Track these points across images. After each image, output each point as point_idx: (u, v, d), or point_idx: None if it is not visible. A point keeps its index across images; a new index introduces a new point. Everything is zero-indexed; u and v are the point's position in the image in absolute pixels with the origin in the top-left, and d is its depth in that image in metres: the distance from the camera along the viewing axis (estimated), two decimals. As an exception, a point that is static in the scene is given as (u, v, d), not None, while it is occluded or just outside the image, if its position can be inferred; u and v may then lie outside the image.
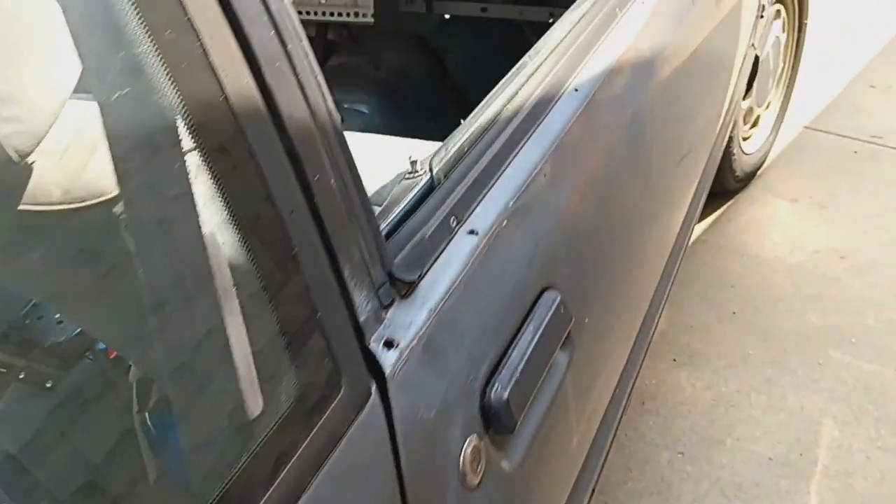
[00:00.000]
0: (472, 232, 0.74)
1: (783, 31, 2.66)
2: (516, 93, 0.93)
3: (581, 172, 0.98)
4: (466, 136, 0.84)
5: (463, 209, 0.75)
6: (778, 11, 2.58)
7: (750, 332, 2.22)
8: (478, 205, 0.76)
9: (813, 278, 2.37)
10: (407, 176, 0.78)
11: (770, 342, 2.18)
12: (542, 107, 0.93)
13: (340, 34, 2.32)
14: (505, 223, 0.77)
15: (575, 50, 1.06)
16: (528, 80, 0.95)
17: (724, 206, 2.70)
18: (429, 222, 0.71)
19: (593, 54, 1.07)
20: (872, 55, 3.45)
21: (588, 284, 1.02)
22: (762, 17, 1.99)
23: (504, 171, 0.81)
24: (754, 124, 2.68)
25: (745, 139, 2.66)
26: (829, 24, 3.69)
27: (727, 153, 2.46)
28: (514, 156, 0.84)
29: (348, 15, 2.08)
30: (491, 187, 0.79)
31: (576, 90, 0.97)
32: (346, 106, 2.24)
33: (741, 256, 2.49)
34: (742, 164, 2.59)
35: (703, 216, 2.63)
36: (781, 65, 2.74)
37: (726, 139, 1.97)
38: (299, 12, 2.16)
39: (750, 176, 2.73)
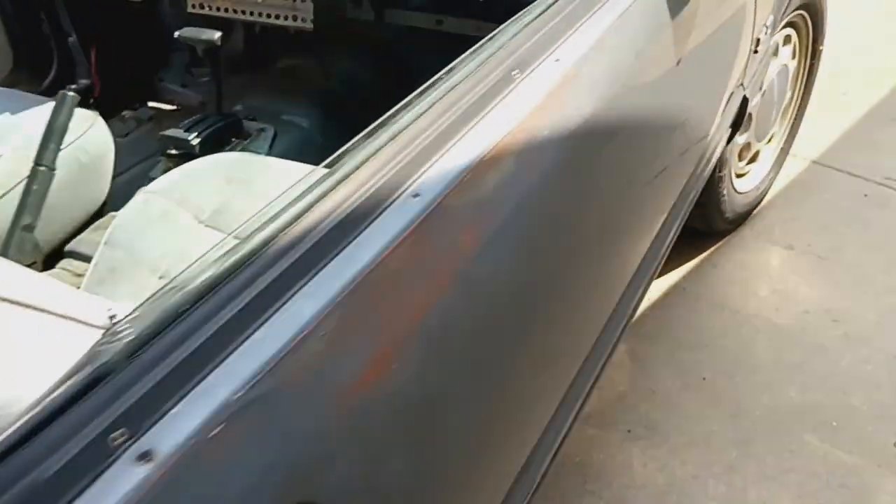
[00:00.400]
0: (144, 457, 0.49)
1: (793, 57, 2.37)
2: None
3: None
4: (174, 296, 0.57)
5: (141, 418, 0.50)
6: (788, 37, 2.29)
7: (718, 405, 1.96)
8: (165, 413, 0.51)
9: (798, 344, 2.11)
10: (100, 344, 0.54)
11: (739, 419, 1.93)
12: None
13: (292, 37, 2.07)
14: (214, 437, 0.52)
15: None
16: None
17: (711, 249, 2.43)
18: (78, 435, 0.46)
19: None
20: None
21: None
22: (756, 51, 1.71)
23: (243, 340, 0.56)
24: (752, 160, 2.40)
25: (739, 176, 2.38)
26: (849, 46, 3.37)
27: (714, 193, 2.19)
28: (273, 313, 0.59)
29: (286, 19, 1.84)
30: (205, 376, 0.53)
31: (415, 196, 0.71)
32: (283, 118, 2.00)
33: (721, 311, 2.23)
34: (733, 204, 2.32)
35: (686, 259, 2.38)
36: (789, 94, 2.46)
37: (701, 186, 1.71)
38: (235, 11, 1.91)
39: (743, 216, 2.45)
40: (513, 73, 0.88)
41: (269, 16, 1.84)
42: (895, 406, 1.91)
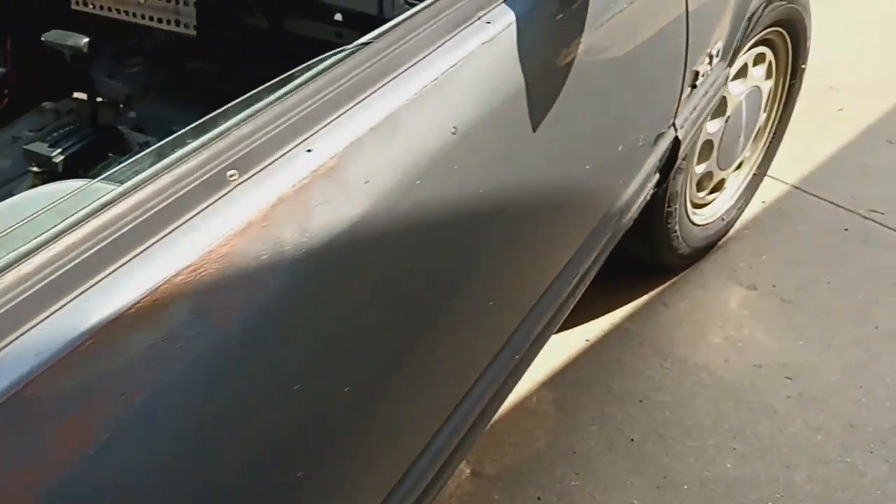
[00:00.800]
0: None
1: (768, 77, 2.13)
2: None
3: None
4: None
5: None
6: (761, 55, 2.04)
7: (643, 472, 1.76)
8: None
9: (744, 404, 1.89)
10: None
11: (664, 491, 1.72)
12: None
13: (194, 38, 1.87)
14: None
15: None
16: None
17: (666, 284, 2.21)
18: None
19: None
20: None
21: None
22: (694, 86, 1.48)
23: None
24: (715, 189, 2.17)
25: (700, 206, 2.15)
26: (849, 57, 3.09)
27: (663, 230, 1.97)
28: None
29: (168, 23, 1.63)
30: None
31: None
32: (174, 128, 1.79)
33: (665, 358, 2.01)
34: (690, 238, 2.09)
35: (636, 294, 2.16)
36: (764, 116, 2.21)
37: (616, 239, 1.49)
38: (118, 11, 1.71)
39: (703, 250, 2.23)
40: (229, 174, 0.67)
41: (150, 18, 1.64)
42: (841, 488, 1.69)
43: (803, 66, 2.19)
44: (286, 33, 1.66)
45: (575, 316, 2.04)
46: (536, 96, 0.95)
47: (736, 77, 1.96)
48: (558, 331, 2.08)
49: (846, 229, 2.35)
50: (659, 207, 1.91)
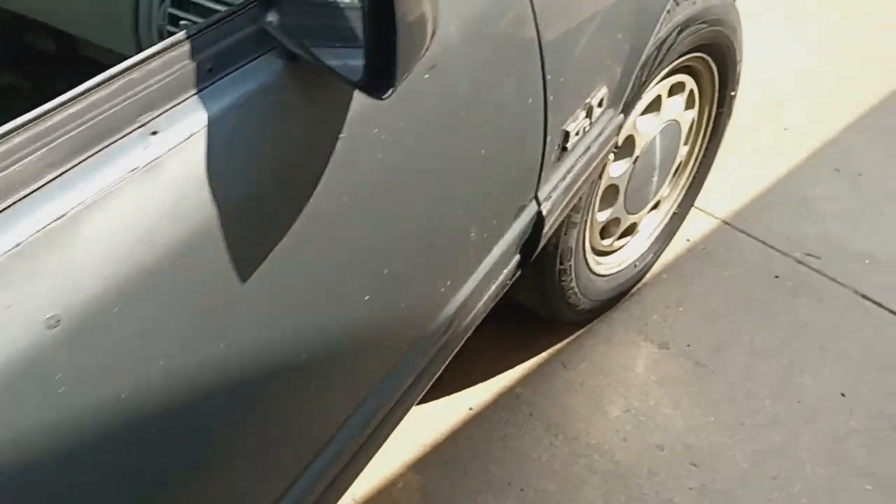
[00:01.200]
0: None
1: (690, 107, 1.84)
2: None
3: None
4: None
5: None
6: (680, 85, 1.75)
7: (513, 584, 1.50)
8: None
9: (639, 497, 1.64)
10: None
11: None
12: None
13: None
14: None
15: None
16: None
17: (568, 340, 1.94)
18: None
19: None
20: (849, 125, 2.58)
21: None
22: (565, 148, 1.19)
23: None
24: (626, 233, 1.89)
25: (606, 254, 1.87)
26: (801, 65, 2.81)
27: (556, 288, 1.69)
28: None
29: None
30: None
31: None
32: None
33: (556, 434, 1.74)
34: (591, 292, 1.82)
35: (533, 351, 1.89)
36: (686, 149, 1.93)
37: (459, 340, 1.21)
38: None
39: (612, 301, 1.95)
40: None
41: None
42: None
43: (733, 94, 1.90)
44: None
45: (461, 377, 1.77)
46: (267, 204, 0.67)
47: (647, 111, 1.68)
48: (439, 395, 1.81)
49: (777, 276, 2.08)
50: (549, 266, 1.63)
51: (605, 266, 1.87)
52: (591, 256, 1.79)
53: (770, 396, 1.80)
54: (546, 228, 1.21)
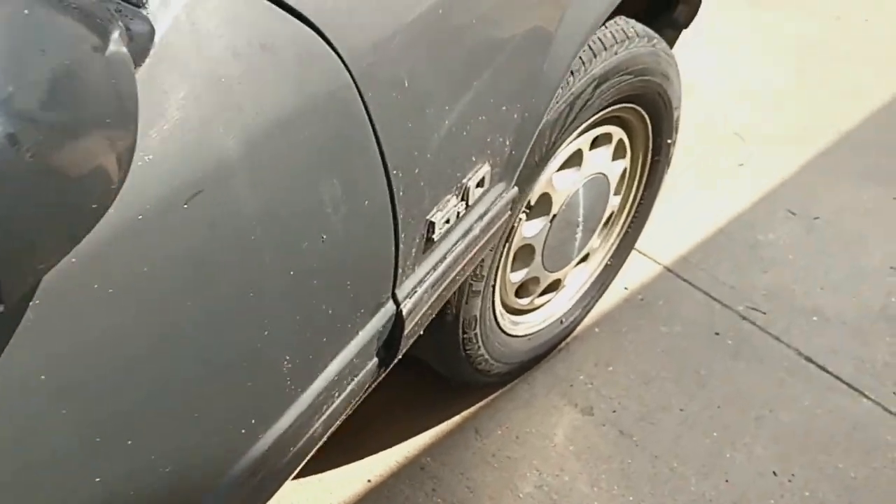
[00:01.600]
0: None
1: (619, 157, 1.69)
2: None
3: None
4: None
5: None
6: (607, 136, 1.60)
7: None
8: None
9: (541, 591, 1.50)
10: None
11: None
12: None
13: None
14: None
15: None
16: None
17: (484, 402, 1.79)
18: None
19: None
20: (810, 162, 2.43)
21: None
22: (431, 239, 1.04)
23: None
24: (549, 290, 1.74)
25: (524, 312, 1.73)
26: (761, 98, 2.65)
27: (460, 358, 1.55)
28: None
29: None
30: None
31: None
32: None
33: (458, 514, 1.60)
34: (506, 355, 1.68)
35: (448, 413, 1.75)
36: (618, 200, 1.78)
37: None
38: None
39: (533, 361, 1.81)
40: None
41: None
42: None
43: (670, 141, 1.75)
44: None
45: (363, 444, 1.63)
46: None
47: (565, 167, 1.53)
48: (338, 463, 1.67)
49: (717, 333, 1.93)
50: (450, 336, 1.49)
51: (525, 326, 1.73)
52: (504, 318, 1.64)
53: (697, 474, 1.66)
54: (407, 329, 1.06)
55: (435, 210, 1.02)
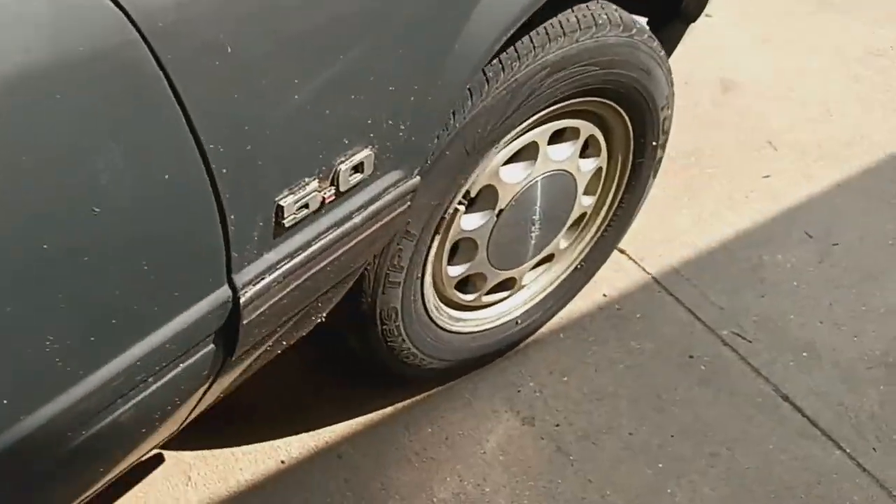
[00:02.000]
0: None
1: (593, 155, 1.55)
2: None
3: None
4: None
5: None
6: (573, 130, 1.47)
7: None
8: None
9: None
10: None
11: None
12: None
13: None
14: None
15: None
16: None
17: (423, 396, 1.70)
18: None
19: None
20: (841, 183, 2.22)
21: None
22: (281, 224, 0.95)
23: None
24: (502, 288, 1.63)
25: (471, 308, 1.62)
26: (808, 107, 2.43)
27: (384, 350, 1.46)
28: None
29: None
30: None
31: None
32: None
33: (365, 511, 1.52)
34: (440, 350, 1.59)
35: (381, 403, 1.68)
36: (590, 201, 1.64)
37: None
38: None
39: (476, 361, 1.71)
40: None
41: None
42: None
43: (655, 143, 1.60)
44: None
45: (287, 423, 1.57)
46: None
47: (516, 159, 1.40)
48: (251, 439, 1.61)
49: (691, 356, 1.78)
50: (368, 327, 1.40)
51: (471, 322, 1.62)
52: (441, 313, 1.54)
53: (629, 506, 1.53)
54: (248, 319, 0.97)
55: (286, 193, 0.92)
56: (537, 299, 1.71)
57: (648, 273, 1.94)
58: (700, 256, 1.99)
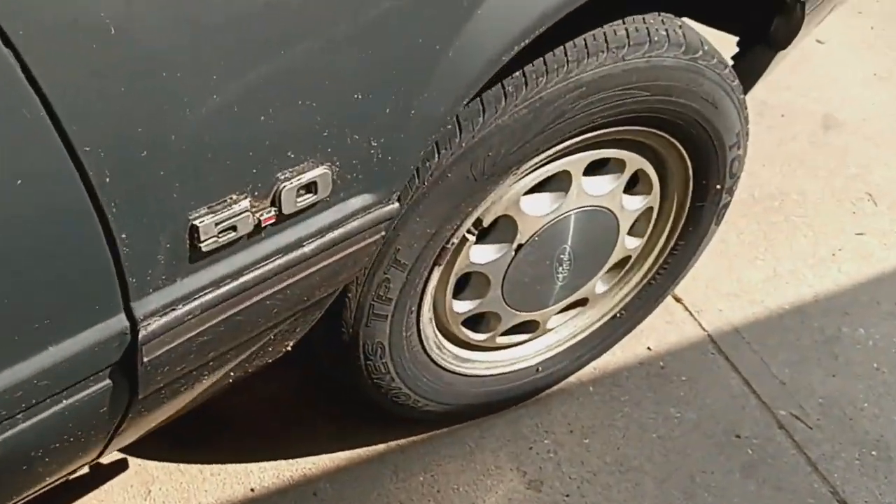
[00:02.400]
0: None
1: (642, 193, 1.33)
2: None
3: None
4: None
5: None
6: (617, 163, 1.25)
7: None
8: None
9: None
10: None
11: None
12: None
13: None
14: None
15: None
16: None
17: (421, 438, 1.52)
18: None
19: None
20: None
21: None
22: (196, 247, 0.77)
23: None
24: (522, 330, 1.43)
25: (482, 349, 1.42)
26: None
27: (369, 386, 1.29)
28: None
29: None
30: None
31: None
32: None
33: (329, 563, 1.35)
34: (440, 393, 1.41)
35: (368, 441, 1.50)
36: (638, 243, 1.42)
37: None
38: None
39: (484, 407, 1.51)
40: None
41: None
42: None
43: (720, 187, 1.36)
44: None
45: (267, 446, 1.42)
46: None
47: (543, 189, 1.20)
48: (224, 459, 1.46)
49: (738, 436, 1.54)
50: (351, 361, 1.22)
51: (481, 365, 1.42)
52: (444, 352, 1.35)
53: None
54: (150, 357, 0.80)
55: (203, 211, 0.75)
56: (565, 346, 1.50)
57: (704, 329, 1.70)
58: (768, 318, 1.73)
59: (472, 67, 0.87)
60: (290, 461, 1.46)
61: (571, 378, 1.59)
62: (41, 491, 1.01)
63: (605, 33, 1.06)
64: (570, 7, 0.92)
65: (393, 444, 1.49)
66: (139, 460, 1.45)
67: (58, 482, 1.03)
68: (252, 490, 1.42)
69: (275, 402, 1.54)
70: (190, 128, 0.69)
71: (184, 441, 1.45)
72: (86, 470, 1.39)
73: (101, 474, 1.43)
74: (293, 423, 1.51)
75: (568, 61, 1.03)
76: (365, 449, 1.48)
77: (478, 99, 1.00)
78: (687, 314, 1.73)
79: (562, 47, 1.03)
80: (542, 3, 0.88)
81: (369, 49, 0.78)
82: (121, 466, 1.44)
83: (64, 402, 0.79)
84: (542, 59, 1.02)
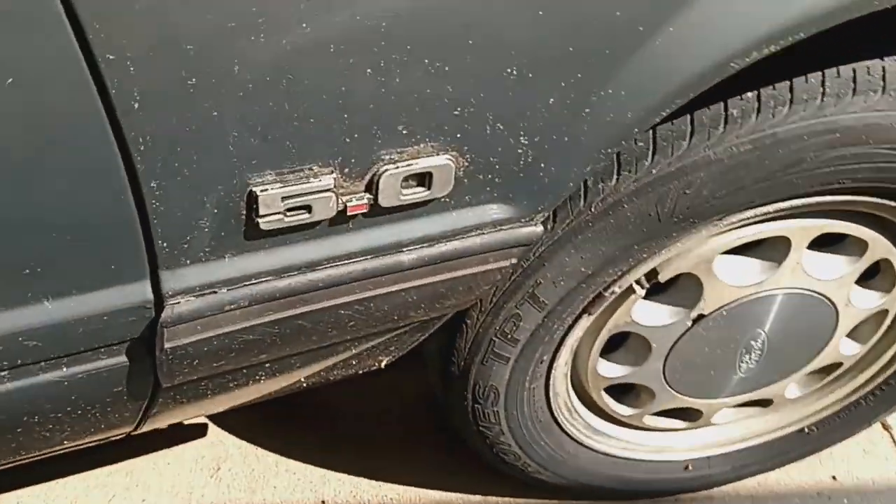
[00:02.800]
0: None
1: (882, 289, 1.02)
2: None
3: None
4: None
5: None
6: (858, 243, 0.95)
7: None
8: None
9: None
10: None
11: None
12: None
13: None
14: None
15: None
16: None
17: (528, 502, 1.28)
18: None
19: None
20: None
21: None
22: (256, 223, 0.59)
23: None
24: (679, 415, 1.16)
25: (621, 423, 1.17)
26: None
27: (474, 430, 1.07)
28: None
29: None
30: None
31: None
32: None
33: None
34: (559, 464, 1.17)
35: (475, 489, 1.30)
36: (856, 349, 1.10)
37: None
38: None
39: (597, 491, 1.24)
40: None
41: None
42: None
43: None
44: None
45: (352, 456, 1.26)
46: None
47: (751, 252, 0.92)
48: (297, 457, 1.30)
49: None
50: (457, 399, 1.01)
51: (619, 443, 1.17)
52: (575, 416, 1.10)
53: None
54: (169, 343, 0.62)
55: (269, 177, 0.56)
56: (728, 449, 1.21)
57: (915, 473, 1.33)
58: None
59: (685, 65, 0.62)
60: (373, 483, 1.27)
61: (726, 487, 1.28)
62: (69, 449, 0.87)
63: (883, 67, 0.76)
64: (846, 15, 0.64)
65: (491, 499, 1.26)
66: (220, 431, 1.31)
67: (89, 444, 0.89)
68: (323, 502, 1.25)
69: (384, 412, 1.36)
70: (260, 55, 0.50)
71: (272, 423, 1.31)
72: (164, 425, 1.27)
73: (179, 435, 1.31)
74: (395, 441, 1.33)
75: (824, 94, 0.75)
76: (456, 495, 1.26)
77: (687, 116, 0.74)
78: (894, 449, 1.37)
79: (819, 73, 0.75)
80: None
81: (539, 8, 0.55)
82: (199, 431, 1.31)
83: (64, 369, 0.63)
84: (788, 83, 0.74)
